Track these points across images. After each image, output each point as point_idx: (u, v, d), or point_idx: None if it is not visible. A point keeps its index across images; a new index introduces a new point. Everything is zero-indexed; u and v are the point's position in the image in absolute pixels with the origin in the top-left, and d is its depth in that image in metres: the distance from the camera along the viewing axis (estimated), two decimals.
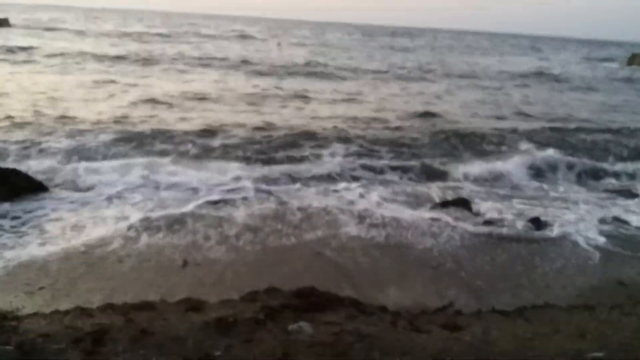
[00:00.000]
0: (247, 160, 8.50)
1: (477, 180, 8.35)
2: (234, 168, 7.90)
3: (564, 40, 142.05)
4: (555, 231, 6.32)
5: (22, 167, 6.83)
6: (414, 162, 8.98)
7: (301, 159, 8.70)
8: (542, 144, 10.72)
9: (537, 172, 8.89)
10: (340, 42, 50.22)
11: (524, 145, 10.53)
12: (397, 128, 11.72)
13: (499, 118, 14.03)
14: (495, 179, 8.45)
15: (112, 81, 15.64)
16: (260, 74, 20.27)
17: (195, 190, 6.96)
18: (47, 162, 7.41)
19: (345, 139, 10.20)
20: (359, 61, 29.52)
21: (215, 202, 6.57)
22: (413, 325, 3.73)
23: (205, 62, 22.70)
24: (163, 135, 9.62)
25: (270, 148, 9.27)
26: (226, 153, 8.79)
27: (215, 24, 77.16)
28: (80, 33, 36.62)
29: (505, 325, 3.80)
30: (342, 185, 7.66)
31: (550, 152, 9.71)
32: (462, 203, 6.95)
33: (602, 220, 6.78)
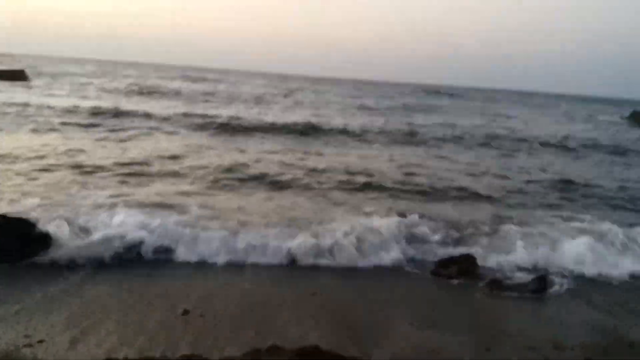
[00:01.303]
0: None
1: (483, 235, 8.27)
2: None
3: (558, 97, 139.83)
4: (560, 289, 6.25)
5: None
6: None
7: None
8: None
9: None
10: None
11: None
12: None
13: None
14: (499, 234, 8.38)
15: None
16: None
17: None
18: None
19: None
20: None
21: None
22: None
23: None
24: None
25: None
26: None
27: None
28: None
29: None
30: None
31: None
32: (467, 260, 6.89)
33: (607, 278, 6.73)
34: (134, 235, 6.56)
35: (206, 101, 32.56)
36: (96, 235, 6.50)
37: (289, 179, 11.06)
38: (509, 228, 8.25)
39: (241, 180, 10.69)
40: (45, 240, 6.22)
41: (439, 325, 5.07)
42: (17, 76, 38.33)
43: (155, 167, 11.19)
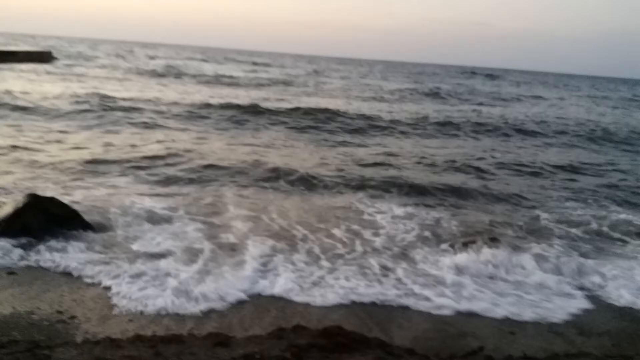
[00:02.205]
0: None
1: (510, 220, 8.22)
2: None
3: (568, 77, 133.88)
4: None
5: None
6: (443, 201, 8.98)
7: None
8: None
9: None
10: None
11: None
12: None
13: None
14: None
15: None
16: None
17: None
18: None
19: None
20: None
21: None
22: None
23: None
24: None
25: None
26: None
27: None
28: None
29: None
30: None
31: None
32: (491, 241, 6.84)
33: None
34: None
35: (230, 85, 32.55)
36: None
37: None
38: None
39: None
40: (74, 220, 6.37)
41: (463, 310, 5.04)
42: (44, 57, 38.96)
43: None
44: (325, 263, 5.91)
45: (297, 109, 19.83)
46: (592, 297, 5.56)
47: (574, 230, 7.70)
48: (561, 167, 12.81)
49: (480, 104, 30.20)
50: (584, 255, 6.71)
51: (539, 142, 17.45)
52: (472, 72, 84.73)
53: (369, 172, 10.73)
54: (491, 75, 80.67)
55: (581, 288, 5.76)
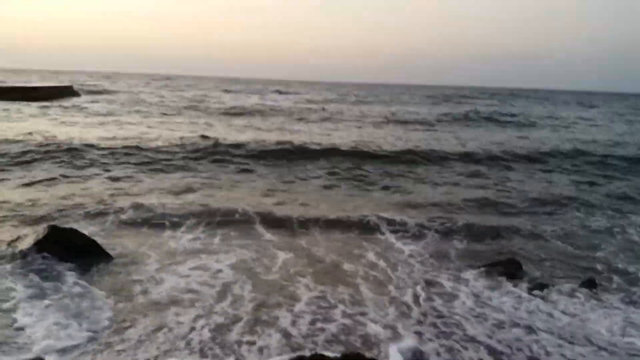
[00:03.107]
0: None
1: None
2: None
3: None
4: (612, 295, 5.97)
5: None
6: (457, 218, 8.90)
7: None
8: None
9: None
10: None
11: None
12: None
13: None
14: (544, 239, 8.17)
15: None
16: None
17: None
18: None
19: None
20: None
21: None
22: None
23: None
24: None
25: None
26: None
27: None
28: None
29: None
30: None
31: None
32: (512, 264, 6.71)
33: None
34: None
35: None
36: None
37: None
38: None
39: None
40: (92, 249, 6.43)
41: (486, 341, 4.87)
42: (66, 92, 39.40)
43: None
44: None
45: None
46: None
47: None
48: None
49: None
50: None
51: None
52: (492, 94, 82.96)
53: None
54: (525, 96, 78.17)
55: None
